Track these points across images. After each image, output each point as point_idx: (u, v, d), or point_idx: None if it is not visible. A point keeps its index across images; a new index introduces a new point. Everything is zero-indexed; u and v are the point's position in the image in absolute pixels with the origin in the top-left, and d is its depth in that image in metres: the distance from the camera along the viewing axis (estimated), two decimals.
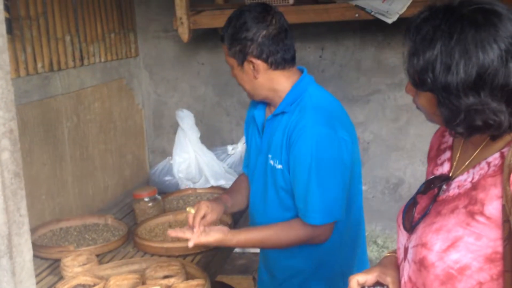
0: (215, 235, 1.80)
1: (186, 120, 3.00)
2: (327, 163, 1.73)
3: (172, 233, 1.86)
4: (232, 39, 1.81)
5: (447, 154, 1.29)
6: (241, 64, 1.82)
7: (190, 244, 1.81)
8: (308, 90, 1.84)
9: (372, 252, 3.44)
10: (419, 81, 1.12)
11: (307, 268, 1.92)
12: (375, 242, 3.45)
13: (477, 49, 1.05)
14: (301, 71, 1.91)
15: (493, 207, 1.07)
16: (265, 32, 1.78)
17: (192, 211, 1.88)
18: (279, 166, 1.83)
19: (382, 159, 3.38)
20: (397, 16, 2.69)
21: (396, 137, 3.34)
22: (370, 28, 3.20)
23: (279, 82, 1.84)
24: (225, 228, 1.84)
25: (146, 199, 2.56)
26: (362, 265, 2.02)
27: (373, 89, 3.32)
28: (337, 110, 1.87)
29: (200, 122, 3.45)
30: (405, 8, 2.68)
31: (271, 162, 1.86)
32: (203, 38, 3.45)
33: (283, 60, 1.81)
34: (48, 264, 2.21)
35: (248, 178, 2.10)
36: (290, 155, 1.78)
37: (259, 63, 1.80)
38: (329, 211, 1.77)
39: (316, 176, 1.72)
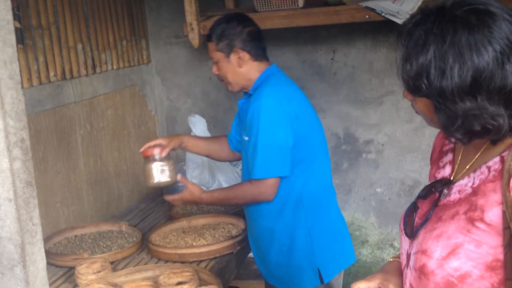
0: (192, 189, 2.23)
1: (199, 126, 3.00)
2: (270, 127, 2.09)
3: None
4: (221, 35, 2.21)
5: (449, 156, 1.26)
6: (228, 55, 2.21)
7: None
8: (271, 77, 2.22)
9: (389, 256, 3.40)
10: (414, 87, 1.09)
11: (276, 226, 2.23)
12: (391, 245, 3.42)
13: (471, 52, 1.01)
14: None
15: (493, 213, 1.04)
16: (247, 30, 2.22)
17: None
18: (246, 138, 2.20)
19: (397, 160, 3.35)
20: (408, 16, 2.66)
21: (411, 138, 3.30)
22: (381, 29, 3.17)
23: (254, 73, 2.24)
24: (198, 188, 2.25)
25: (157, 157, 2.25)
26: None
27: (386, 91, 3.29)
28: (291, 93, 2.21)
29: (213, 127, 3.45)
30: (415, 8, 2.65)
31: (245, 138, 2.21)
32: None
33: (261, 52, 2.25)
34: (63, 272, 2.22)
35: (232, 146, 2.51)
36: (246, 128, 2.19)
37: (244, 53, 2.21)
38: (269, 167, 2.11)
39: (260, 138, 2.09)
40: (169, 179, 2.23)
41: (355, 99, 3.31)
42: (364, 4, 2.70)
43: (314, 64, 3.34)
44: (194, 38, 2.90)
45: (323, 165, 2.29)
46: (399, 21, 2.64)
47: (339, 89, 3.32)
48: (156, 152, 2.24)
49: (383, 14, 2.66)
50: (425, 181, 3.26)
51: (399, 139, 3.33)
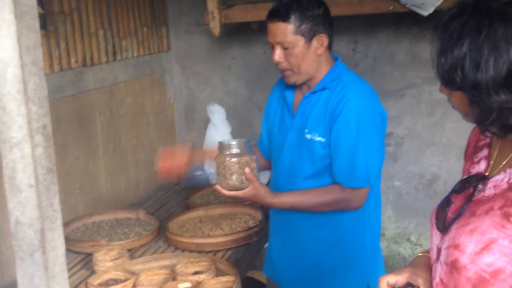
0: (259, 190, 1.84)
1: (217, 115, 3.00)
2: (370, 131, 1.88)
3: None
4: (303, 16, 1.87)
5: (485, 152, 1.25)
6: (310, 40, 1.90)
7: None
8: (346, 71, 2.00)
9: (405, 250, 3.38)
10: (449, 80, 1.08)
11: (332, 238, 2.03)
12: (408, 239, 3.39)
13: (507, 45, 1.01)
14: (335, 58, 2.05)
15: None
16: (327, 11, 1.93)
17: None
18: (319, 139, 1.93)
19: (417, 154, 3.31)
20: (433, 8, 2.61)
21: (431, 132, 3.26)
22: (405, 20, 3.13)
23: (326, 63, 1.97)
24: (266, 190, 1.89)
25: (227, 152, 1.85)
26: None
27: (407, 83, 3.25)
28: (372, 89, 2.00)
29: (231, 117, 3.44)
30: (441, 0, 2.61)
31: (308, 136, 1.95)
32: (235, 32, 3.43)
33: (332, 39, 1.96)
34: (81, 258, 2.23)
35: (265, 154, 2.23)
36: (333, 127, 1.89)
37: (326, 39, 1.92)
38: (369, 176, 1.91)
39: (362, 143, 1.86)
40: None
41: (376, 91, 3.27)
42: None
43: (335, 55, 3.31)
44: (215, 27, 2.89)
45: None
46: (424, 13, 2.60)
47: None
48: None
49: (407, 6, 2.62)
50: (445, 176, 3.25)
51: (419, 133, 3.29)
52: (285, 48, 1.90)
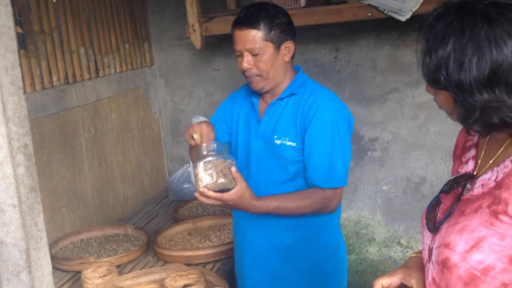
0: (246, 191, 1.78)
1: None
2: (344, 133, 1.95)
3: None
4: (272, 23, 1.91)
5: (472, 152, 1.26)
6: (279, 47, 1.93)
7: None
8: (309, 79, 2.05)
9: (396, 253, 3.39)
10: (434, 79, 1.10)
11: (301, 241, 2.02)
12: (398, 243, 3.40)
13: (490, 45, 1.02)
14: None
15: None
16: (288, 20, 1.97)
17: (195, 136, 1.83)
18: (290, 143, 1.95)
19: (403, 158, 3.33)
20: (411, 13, 2.64)
21: (416, 136, 3.29)
22: (384, 26, 3.16)
23: (290, 70, 2.01)
24: (251, 192, 1.83)
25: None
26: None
27: (390, 88, 3.27)
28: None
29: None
30: (418, 5, 2.64)
31: (278, 142, 1.96)
32: (217, 44, 3.45)
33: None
34: (69, 277, 2.22)
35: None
36: (308, 130, 1.93)
37: (292, 46, 1.97)
38: (346, 175, 1.96)
39: (338, 143, 1.92)
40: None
41: (359, 97, 3.29)
42: (367, 2, 2.69)
43: (318, 63, 3.33)
44: (196, 39, 2.90)
45: None
46: (402, 18, 2.63)
47: (343, 87, 3.31)
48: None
49: (385, 12, 2.65)
50: (431, 178, 3.27)
51: (404, 137, 3.31)
52: (254, 55, 1.91)
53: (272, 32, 1.90)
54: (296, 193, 1.95)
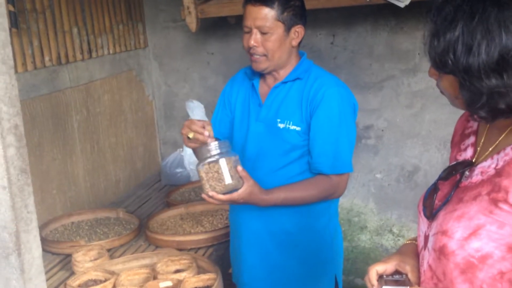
0: (254, 188, 1.75)
1: (196, 111, 2.97)
2: (350, 119, 1.93)
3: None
4: (286, 5, 1.87)
5: (471, 139, 1.25)
6: (289, 30, 1.90)
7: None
8: (314, 65, 2.01)
9: (388, 241, 3.39)
10: (440, 63, 1.08)
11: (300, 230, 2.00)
12: (390, 231, 3.40)
13: (500, 29, 1.01)
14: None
15: None
16: (301, 4, 1.93)
17: (190, 135, 1.76)
18: (294, 127, 1.92)
19: (397, 146, 3.32)
20: (410, 0, 2.61)
21: (411, 124, 3.27)
22: (382, 12, 3.12)
23: (295, 54, 1.97)
24: (259, 186, 1.79)
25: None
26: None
27: (386, 75, 3.25)
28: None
29: (210, 112, 3.40)
30: None
31: (281, 125, 1.93)
32: (212, 27, 3.40)
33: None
34: (60, 259, 2.20)
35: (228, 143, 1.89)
36: (314, 115, 1.90)
37: (302, 31, 1.93)
38: (350, 161, 1.94)
39: (345, 129, 1.91)
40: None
41: (355, 84, 3.27)
42: None
43: (314, 49, 3.30)
44: (192, 22, 2.86)
45: None
46: (401, 4, 2.60)
47: (339, 73, 3.27)
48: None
49: None
50: (425, 167, 3.26)
51: (399, 125, 3.30)
52: (263, 33, 1.88)
53: (285, 13, 1.87)
54: (302, 183, 1.92)
